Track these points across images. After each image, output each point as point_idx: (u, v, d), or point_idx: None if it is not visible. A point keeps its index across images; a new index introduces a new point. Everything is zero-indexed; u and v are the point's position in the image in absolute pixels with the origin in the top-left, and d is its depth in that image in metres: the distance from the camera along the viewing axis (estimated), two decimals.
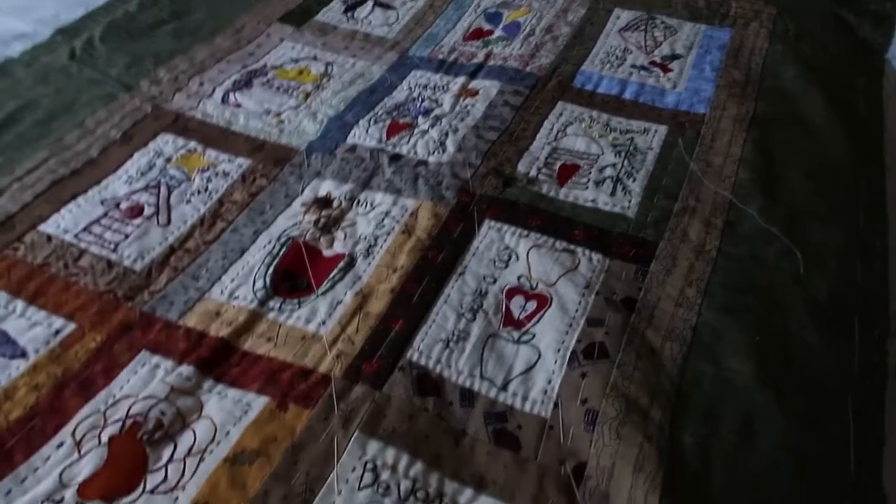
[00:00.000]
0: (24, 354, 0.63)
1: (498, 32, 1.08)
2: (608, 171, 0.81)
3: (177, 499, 0.52)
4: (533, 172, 0.82)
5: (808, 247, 0.73)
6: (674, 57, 1.01)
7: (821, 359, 0.64)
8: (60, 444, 0.56)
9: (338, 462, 0.54)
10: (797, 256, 0.71)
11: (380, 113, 0.92)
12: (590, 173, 0.81)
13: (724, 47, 1.02)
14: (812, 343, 0.65)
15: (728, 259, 0.71)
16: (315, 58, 1.05)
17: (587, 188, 0.79)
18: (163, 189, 0.81)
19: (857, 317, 0.70)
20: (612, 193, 0.78)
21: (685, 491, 0.53)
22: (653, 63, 1.00)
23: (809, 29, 1.07)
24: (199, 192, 0.81)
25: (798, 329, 0.66)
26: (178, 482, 0.53)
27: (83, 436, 0.56)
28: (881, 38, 1.07)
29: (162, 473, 0.54)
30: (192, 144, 0.88)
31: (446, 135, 0.87)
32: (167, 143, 0.88)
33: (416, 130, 0.88)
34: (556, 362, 0.61)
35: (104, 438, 0.56)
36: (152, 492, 0.53)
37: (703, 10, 1.10)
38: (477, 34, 1.08)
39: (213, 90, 0.97)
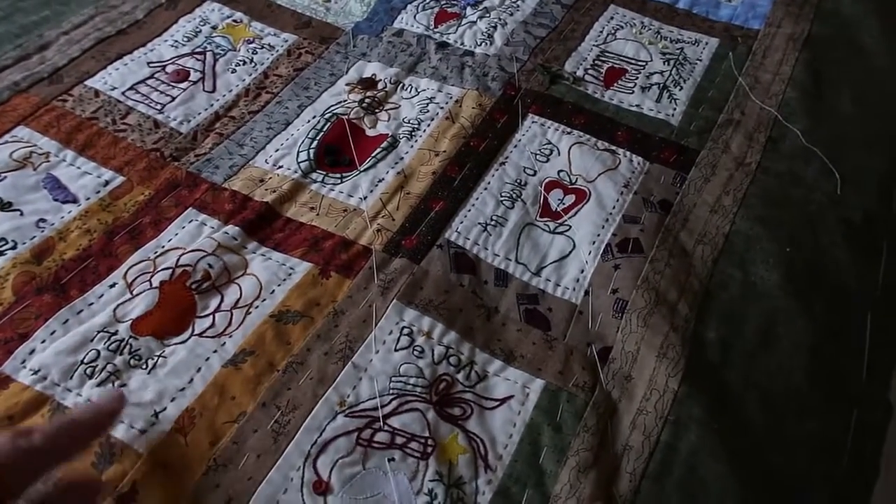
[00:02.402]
0: (75, 200, 0.65)
1: None
2: (655, 78, 0.81)
3: (224, 344, 0.55)
4: (580, 72, 0.81)
5: (847, 169, 0.73)
6: None
7: (846, 275, 0.65)
8: (113, 285, 0.58)
9: (376, 325, 0.56)
10: (835, 177, 0.71)
11: (428, 0, 0.90)
12: (637, 78, 0.81)
13: None
14: (840, 259, 0.66)
15: (767, 173, 0.72)
16: None
17: (633, 92, 0.79)
18: (208, 56, 0.81)
19: (886, 241, 0.71)
20: (658, 100, 0.78)
21: (704, 380, 0.55)
22: None
23: None
24: (244, 62, 0.81)
25: (828, 245, 0.67)
26: (225, 329, 0.56)
27: (135, 279, 0.59)
28: None
29: (210, 320, 0.56)
30: (238, 15, 0.87)
31: (494, 27, 0.86)
32: (213, 10, 0.87)
33: (465, 21, 0.87)
34: (589, 253, 0.63)
35: (155, 283, 0.58)
36: (200, 335, 0.56)
37: None
38: None
39: None
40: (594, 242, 0.64)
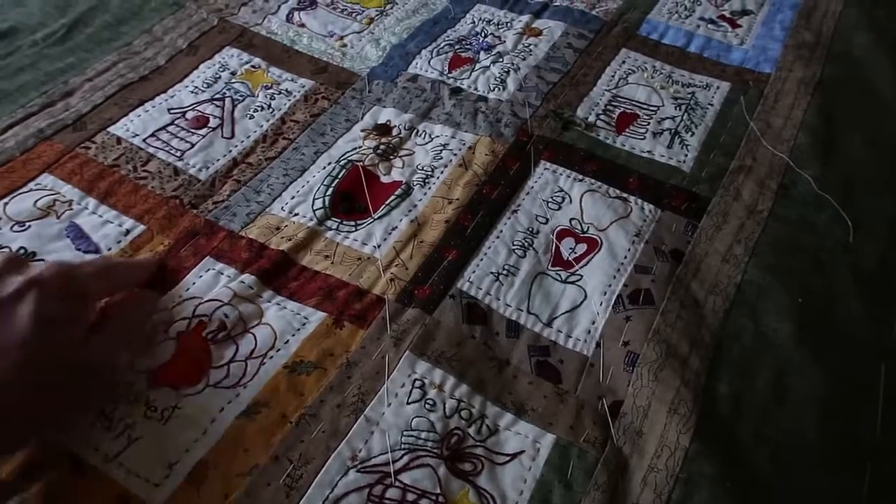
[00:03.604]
0: (97, 250, 0.66)
1: None
2: (667, 124, 0.81)
3: (238, 395, 0.56)
4: (592, 118, 0.82)
5: (860, 215, 0.73)
6: (744, 13, 0.99)
7: (859, 325, 0.65)
8: None
9: (388, 378, 0.57)
10: (848, 224, 0.72)
11: (442, 45, 0.92)
12: (648, 123, 0.81)
13: (797, 6, 0.99)
14: (853, 309, 0.66)
15: (779, 221, 0.72)
16: None
17: (644, 138, 0.80)
18: (227, 102, 0.83)
19: None
20: (670, 146, 0.79)
21: (715, 436, 0.55)
22: (722, 17, 0.98)
23: None
24: (262, 108, 0.83)
25: (841, 294, 0.67)
26: (240, 380, 0.57)
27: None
28: None
29: (225, 370, 0.57)
30: (257, 61, 0.89)
31: (507, 73, 0.87)
32: (232, 56, 0.89)
33: (478, 66, 0.89)
34: (601, 304, 0.63)
35: (172, 333, 0.59)
36: (215, 386, 0.56)
37: None
38: None
39: (278, 7, 0.98)
40: (605, 293, 0.64)
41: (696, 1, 1.00)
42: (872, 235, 0.72)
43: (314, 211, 0.71)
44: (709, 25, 0.96)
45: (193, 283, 0.64)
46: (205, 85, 0.85)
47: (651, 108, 0.84)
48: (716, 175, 0.76)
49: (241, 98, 0.84)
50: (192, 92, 0.84)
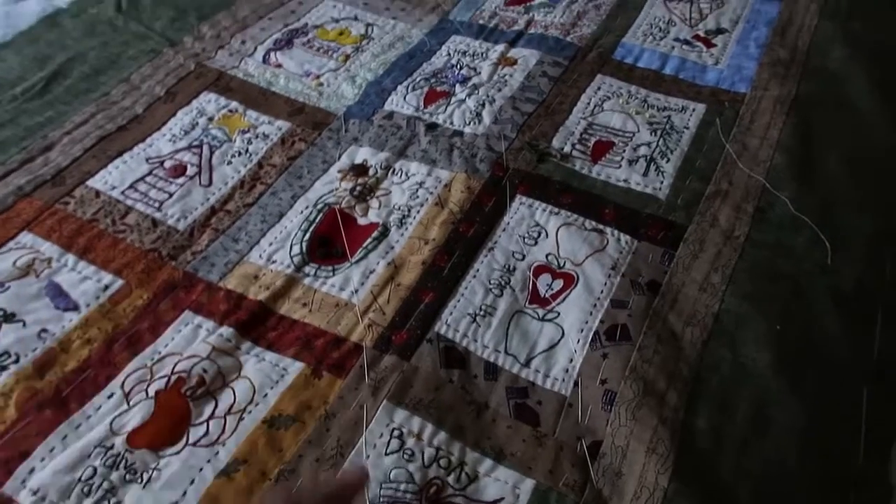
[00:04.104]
0: (76, 308, 0.67)
1: None
2: (642, 150, 0.82)
3: (217, 453, 0.56)
4: (567, 148, 0.82)
5: (838, 235, 0.73)
6: (718, 31, 0.99)
7: (840, 349, 0.65)
8: (111, 395, 0.60)
9: (366, 429, 0.57)
10: (826, 245, 0.71)
11: (418, 79, 0.93)
12: (624, 151, 0.82)
13: (772, 23, 1.00)
14: (833, 333, 0.66)
15: (756, 246, 0.72)
16: (356, 18, 1.05)
17: (620, 166, 0.80)
18: (205, 149, 0.84)
19: (881, 308, 0.70)
20: (645, 174, 0.79)
21: (695, 473, 0.55)
22: (696, 37, 0.98)
23: (863, 5, 1.04)
24: (239, 153, 0.83)
25: (820, 319, 0.67)
26: (219, 437, 0.57)
27: (132, 388, 0.60)
28: None
29: (204, 428, 0.58)
30: (234, 104, 0.90)
31: (483, 105, 0.88)
32: (209, 101, 0.90)
33: (454, 99, 0.89)
34: (578, 342, 0.63)
35: (151, 392, 0.60)
36: (194, 444, 0.57)
37: None
38: None
39: (255, 49, 0.98)
40: (583, 330, 0.64)
41: (670, 21, 1.01)
42: (851, 255, 0.72)
43: (292, 257, 0.71)
44: (683, 46, 0.97)
45: (173, 339, 0.64)
46: (182, 132, 0.86)
47: (627, 134, 0.84)
48: (692, 201, 0.76)
49: (218, 144, 0.84)
50: (169, 140, 0.85)
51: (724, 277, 0.69)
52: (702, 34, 0.99)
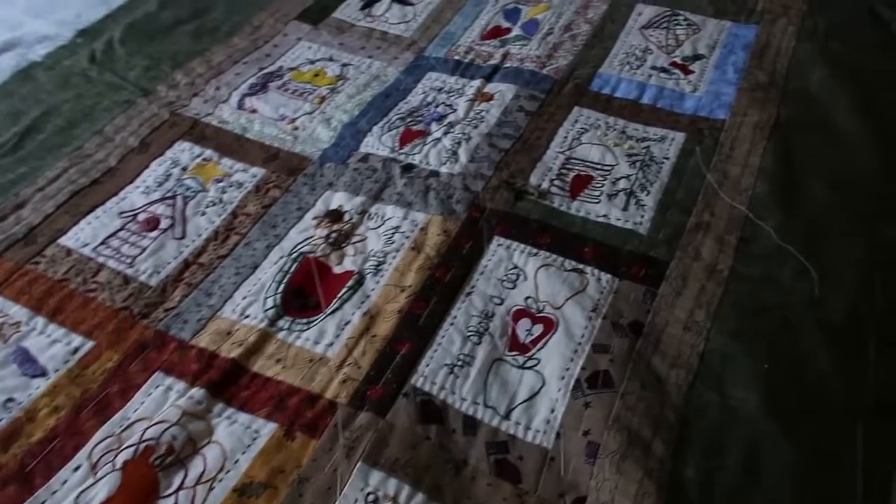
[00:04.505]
0: (44, 374, 0.65)
1: (516, 31, 1.06)
2: (622, 184, 0.80)
3: None
4: (545, 184, 0.81)
5: (825, 263, 0.71)
6: (695, 57, 0.98)
7: (832, 385, 0.63)
8: (77, 468, 0.58)
9: (340, 494, 0.55)
10: (812, 276, 0.70)
11: (394, 119, 0.92)
12: (603, 185, 0.80)
13: (749, 46, 0.99)
14: (823, 369, 0.64)
15: (740, 280, 0.70)
16: (331, 58, 1.04)
17: (599, 201, 0.78)
18: (178, 200, 0.82)
19: (874, 338, 0.68)
20: (625, 208, 0.77)
21: None
22: (674, 64, 0.97)
23: (841, 25, 1.03)
24: (213, 203, 0.82)
25: (809, 354, 0.65)
26: None
27: (99, 459, 0.58)
28: None
29: (172, 500, 0.56)
30: (208, 153, 0.89)
31: (459, 143, 0.86)
32: (183, 151, 0.89)
33: (430, 138, 0.88)
34: (559, 390, 0.61)
35: (119, 462, 0.58)
36: None
37: (729, 4, 1.06)
38: (494, 33, 1.06)
39: (230, 94, 0.98)
40: (563, 378, 0.62)
41: (646, 49, 1.00)
42: (839, 284, 0.70)
43: (265, 311, 0.70)
44: (661, 74, 0.96)
45: (142, 403, 0.62)
46: (156, 184, 0.84)
47: (605, 168, 0.83)
48: (674, 235, 0.74)
49: (192, 194, 0.83)
50: (143, 192, 0.84)
51: (709, 314, 0.67)
52: (679, 61, 0.98)
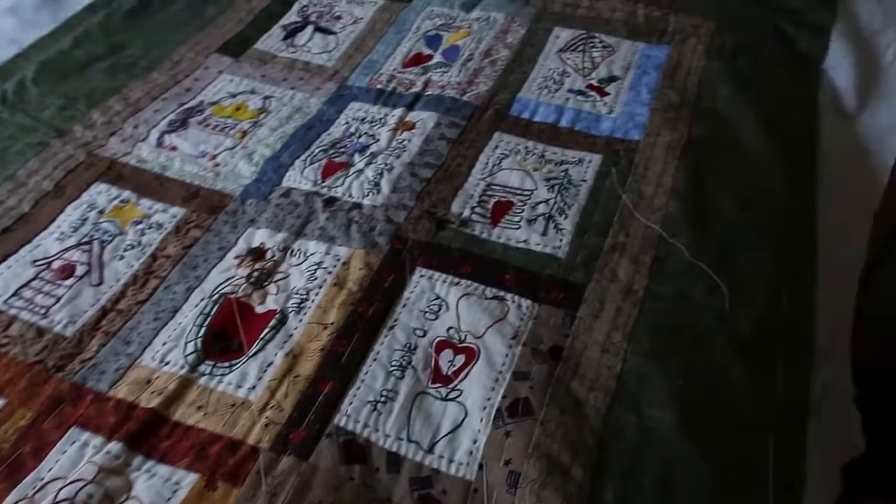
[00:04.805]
0: None
1: (437, 58, 1.07)
2: (541, 208, 0.82)
3: None
4: (466, 212, 0.82)
5: (735, 279, 0.74)
6: (611, 79, 1.01)
7: (743, 398, 0.66)
8: None
9: None
10: (723, 291, 0.72)
11: (316, 151, 0.92)
12: (522, 211, 0.82)
13: (662, 67, 1.02)
14: (735, 383, 0.66)
15: (655, 299, 0.72)
16: (253, 91, 1.03)
17: (519, 227, 0.80)
18: (95, 245, 0.81)
19: (782, 350, 0.71)
20: (544, 233, 0.79)
21: None
22: (590, 86, 1.00)
23: (748, 43, 1.07)
24: (132, 246, 0.81)
25: (721, 369, 0.67)
26: None
27: None
28: (818, 48, 1.08)
29: None
30: (126, 194, 0.87)
31: (381, 174, 0.87)
32: (100, 193, 0.87)
33: (352, 170, 0.88)
34: (481, 420, 0.62)
35: None
36: None
37: (642, 26, 1.10)
38: (416, 60, 1.07)
39: (149, 132, 0.96)
40: (485, 407, 0.63)
41: (564, 73, 1.02)
42: (749, 299, 0.73)
43: (186, 357, 0.69)
44: (578, 97, 0.98)
45: (57, 462, 0.61)
46: (71, 229, 0.82)
47: (525, 193, 0.84)
48: (591, 258, 0.76)
49: (109, 238, 0.81)
50: (57, 239, 0.81)
51: (626, 335, 0.69)
52: (595, 83, 1.00)
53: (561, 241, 0.78)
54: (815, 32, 1.09)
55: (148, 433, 0.63)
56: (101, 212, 0.85)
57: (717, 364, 0.67)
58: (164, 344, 0.70)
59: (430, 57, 1.08)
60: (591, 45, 1.07)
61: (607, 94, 0.99)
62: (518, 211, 0.82)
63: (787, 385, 0.69)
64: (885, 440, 0.82)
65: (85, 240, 0.81)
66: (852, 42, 1.07)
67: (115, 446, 0.61)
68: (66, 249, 0.80)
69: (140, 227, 0.83)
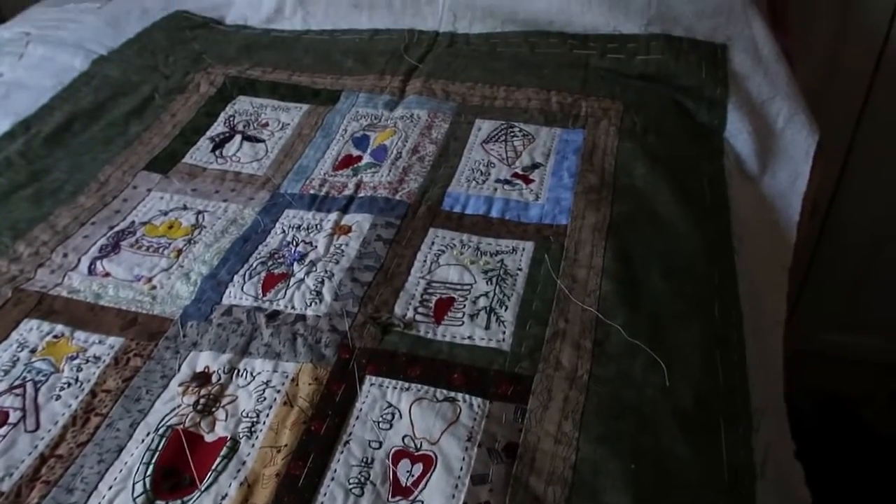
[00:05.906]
0: None
1: (366, 158, 1.11)
2: (481, 302, 0.84)
3: None
4: (410, 313, 0.83)
5: (671, 351, 0.77)
6: (534, 166, 1.06)
7: (692, 474, 0.68)
8: None
9: None
10: (661, 366, 0.75)
11: (255, 264, 0.92)
12: (464, 306, 0.84)
13: (579, 150, 1.08)
14: (683, 457, 0.69)
15: (599, 382, 0.74)
16: (185, 207, 1.04)
17: (463, 323, 0.82)
18: (29, 388, 0.78)
19: (722, 417, 0.75)
20: (487, 326, 0.81)
21: None
22: (515, 175, 1.05)
23: (655, 119, 1.15)
24: (68, 384, 0.78)
25: (669, 445, 0.70)
26: None
27: None
28: (718, 120, 1.17)
29: None
30: (59, 328, 0.85)
31: (322, 282, 0.88)
32: (31, 330, 0.84)
33: (293, 281, 0.89)
34: None
35: None
36: None
37: (557, 113, 1.16)
38: (346, 162, 1.10)
39: (79, 260, 0.94)
40: None
41: (489, 164, 1.07)
42: (686, 369, 0.77)
43: (135, 500, 0.66)
44: (505, 186, 1.03)
45: None
46: (1, 373, 0.79)
47: (465, 287, 0.86)
48: (534, 347, 0.78)
49: (44, 378, 0.79)
50: None
51: (575, 423, 0.70)
52: (520, 171, 1.05)
53: (504, 333, 0.80)
54: (712, 106, 1.18)
55: None
56: (33, 350, 0.82)
57: (665, 441, 0.70)
58: (110, 488, 0.68)
59: (359, 158, 1.11)
60: (513, 134, 1.13)
61: (532, 181, 1.03)
62: (460, 307, 0.84)
63: (731, 453, 0.72)
64: (827, 490, 0.86)
65: (17, 382, 0.78)
66: (746, 112, 1.16)
67: None
68: None
69: (76, 362, 0.81)
